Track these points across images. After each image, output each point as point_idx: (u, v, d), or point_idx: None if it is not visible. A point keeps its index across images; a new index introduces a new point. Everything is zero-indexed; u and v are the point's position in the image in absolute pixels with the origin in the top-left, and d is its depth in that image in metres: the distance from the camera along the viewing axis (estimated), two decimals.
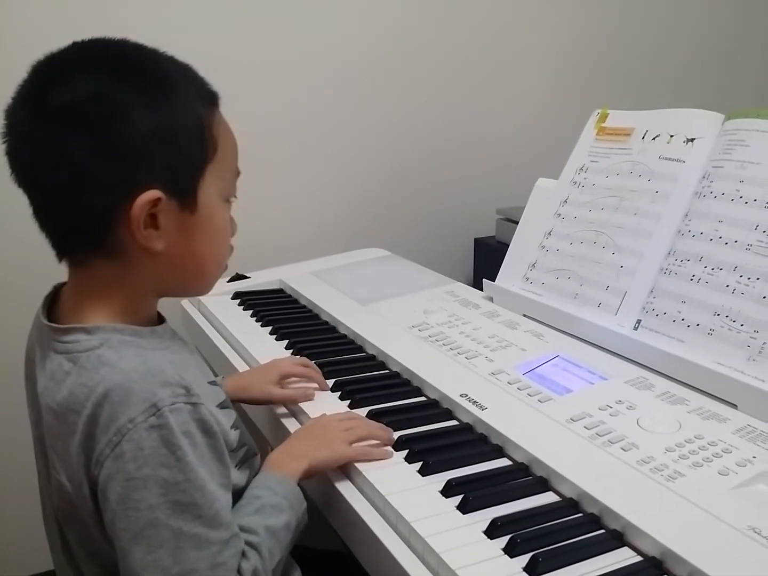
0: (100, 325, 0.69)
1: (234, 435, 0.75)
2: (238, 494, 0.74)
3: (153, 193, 0.66)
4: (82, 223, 0.68)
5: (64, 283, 0.76)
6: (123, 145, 0.65)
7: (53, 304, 0.75)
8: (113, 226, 0.67)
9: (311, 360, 1.08)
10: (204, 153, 0.70)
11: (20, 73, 0.68)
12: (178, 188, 0.69)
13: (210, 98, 0.73)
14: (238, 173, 0.77)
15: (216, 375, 1.19)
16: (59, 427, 0.67)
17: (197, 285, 0.78)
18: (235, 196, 0.77)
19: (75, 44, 0.69)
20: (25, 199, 0.69)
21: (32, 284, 1.45)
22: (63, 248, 0.71)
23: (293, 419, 0.97)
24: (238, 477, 0.75)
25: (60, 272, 0.74)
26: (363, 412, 0.94)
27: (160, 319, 0.77)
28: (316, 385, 1.02)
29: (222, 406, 0.74)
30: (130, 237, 0.68)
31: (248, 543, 0.69)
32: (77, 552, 0.73)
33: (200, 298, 1.39)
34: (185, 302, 1.44)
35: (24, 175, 0.68)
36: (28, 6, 1.40)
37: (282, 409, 0.99)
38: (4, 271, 1.49)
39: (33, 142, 0.66)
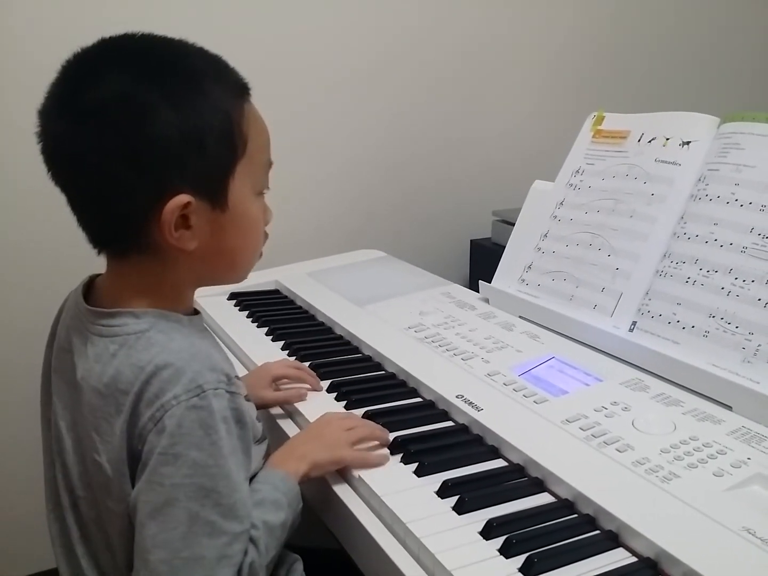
0: (148, 309, 0.70)
1: (259, 427, 0.77)
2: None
3: (182, 198, 0.67)
4: (117, 225, 0.69)
5: (99, 274, 0.77)
6: (151, 150, 0.65)
7: (88, 293, 0.76)
8: (146, 228, 0.68)
9: (307, 361, 1.09)
10: (233, 152, 0.70)
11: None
12: (207, 190, 0.69)
13: (240, 91, 0.73)
14: (270, 165, 0.77)
15: None
16: (105, 408, 0.67)
17: (232, 275, 0.78)
18: (267, 188, 0.77)
19: (103, 41, 0.69)
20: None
21: (33, 284, 1.46)
22: (100, 243, 0.72)
23: (289, 420, 0.97)
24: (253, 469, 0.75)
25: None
26: (359, 413, 0.94)
27: (195, 312, 0.78)
28: (308, 386, 1.02)
29: (247, 399, 0.75)
30: (162, 238, 0.68)
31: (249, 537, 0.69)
32: (95, 543, 0.73)
33: (196, 298, 1.38)
34: None
35: (60, 175, 0.69)
36: (27, 5, 1.40)
37: (278, 410, 0.99)
38: (4, 271, 1.48)
39: (66, 144, 0.66)
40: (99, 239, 0.72)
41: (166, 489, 0.63)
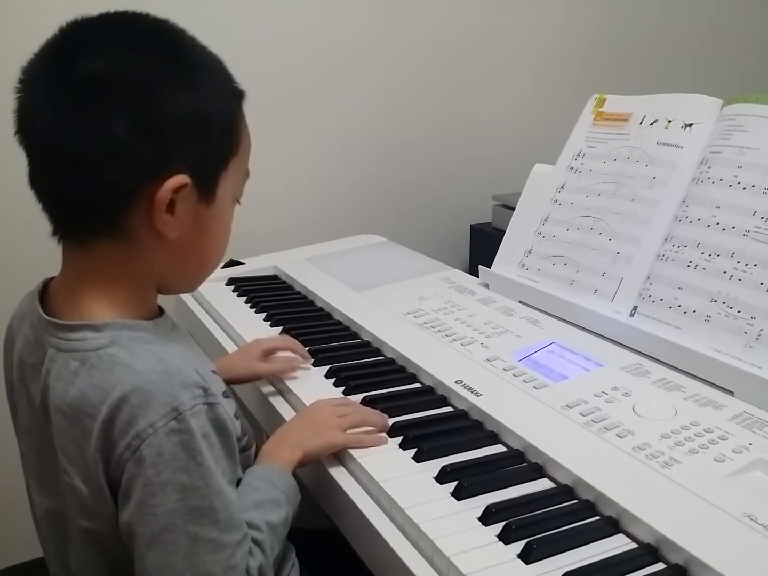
0: (108, 321, 0.66)
1: (237, 425, 0.74)
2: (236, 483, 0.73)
3: (182, 178, 0.65)
4: (98, 198, 0.64)
5: (53, 278, 0.73)
6: (161, 124, 0.64)
7: (43, 299, 0.72)
8: (130, 205, 0.65)
9: (306, 347, 1.08)
10: (231, 145, 0.70)
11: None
12: (203, 176, 0.68)
13: (237, 95, 0.73)
14: (248, 175, 0.76)
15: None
16: (71, 430, 0.65)
17: (192, 280, 0.76)
18: (240, 197, 0.76)
19: (108, 14, 0.67)
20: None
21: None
22: (65, 224, 0.67)
23: (282, 400, 0.97)
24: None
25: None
26: (357, 398, 0.94)
27: (160, 311, 0.75)
28: (299, 358, 1.02)
29: (225, 395, 0.73)
30: (144, 220, 0.65)
31: (253, 539, 0.68)
32: (80, 553, 0.71)
33: None
34: None
35: (37, 137, 0.64)
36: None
37: (270, 388, 0.99)
38: None
39: (59, 106, 0.62)
40: (67, 217, 0.66)
41: (160, 518, 0.61)
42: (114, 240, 0.66)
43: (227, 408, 0.70)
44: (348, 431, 0.83)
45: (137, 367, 0.64)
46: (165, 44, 0.67)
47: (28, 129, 0.65)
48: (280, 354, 1.03)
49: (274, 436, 0.83)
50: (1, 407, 0.79)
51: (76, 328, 0.66)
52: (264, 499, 0.72)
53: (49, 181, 0.66)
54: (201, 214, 0.69)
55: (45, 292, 0.73)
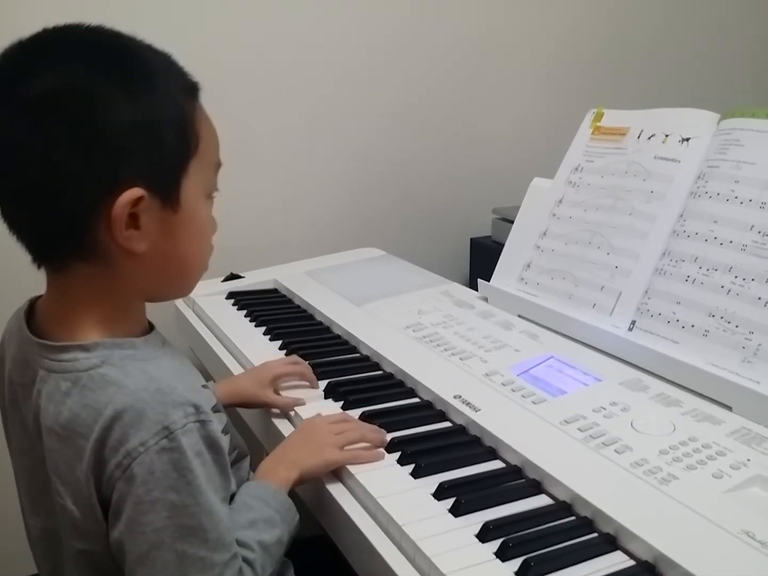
0: (98, 341, 0.66)
1: (225, 440, 0.73)
2: (230, 498, 0.73)
3: (135, 192, 0.63)
4: (59, 225, 0.64)
5: (39, 296, 0.72)
6: (103, 140, 0.61)
7: (29, 319, 0.71)
8: (92, 227, 0.63)
9: (305, 360, 1.08)
10: (187, 147, 0.67)
11: None
12: (160, 185, 0.65)
13: (191, 89, 0.69)
14: (219, 166, 0.73)
15: (210, 376, 1.19)
16: (63, 450, 0.64)
17: (180, 286, 0.74)
18: (217, 190, 0.73)
19: (46, 31, 0.64)
20: None
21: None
22: (40, 253, 0.67)
23: (285, 420, 0.97)
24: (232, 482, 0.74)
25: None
26: (356, 413, 0.94)
27: (150, 327, 0.75)
28: (307, 383, 1.01)
29: (214, 410, 0.72)
30: (110, 238, 0.64)
31: (244, 558, 0.68)
32: (74, 573, 0.70)
33: (194, 298, 1.38)
34: (179, 302, 1.43)
35: None
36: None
37: (274, 410, 0.99)
38: None
39: (7, 135, 0.61)
40: (39, 246, 0.66)
41: (149, 536, 0.61)
42: (89, 262, 0.66)
43: (217, 424, 0.69)
44: (345, 448, 0.83)
45: (129, 386, 0.63)
46: (101, 57, 0.64)
47: None
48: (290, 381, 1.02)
49: (272, 454, 0.83)
50: None
51: (65, 348, 0.66)
52: (258, 518, 0.72)
53: (9, 212, 0.65)
54: (169, 221, 0.67)
55: (32, 311, 0.72)
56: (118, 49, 0.65)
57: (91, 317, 0.68)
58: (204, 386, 0.75)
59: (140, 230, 0.65)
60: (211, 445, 0.65)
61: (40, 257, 0.67)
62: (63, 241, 0.65)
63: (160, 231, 0.67)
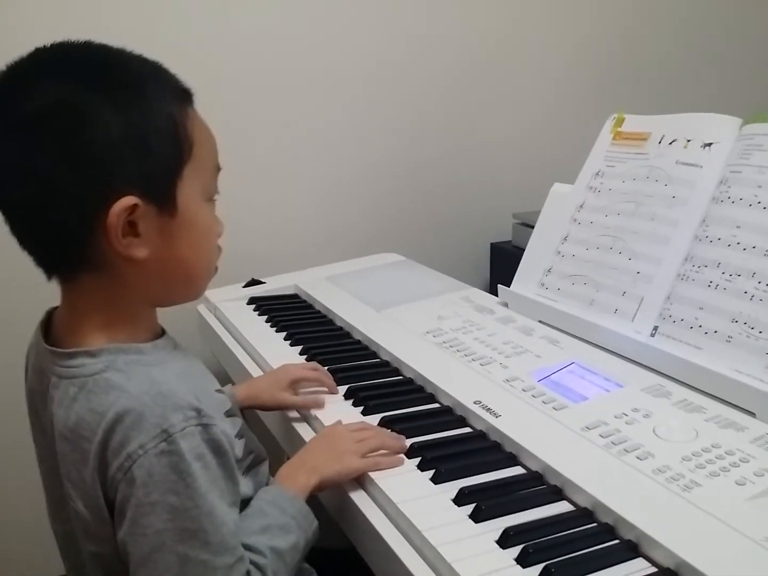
0: (104, 347, 0.68)
1: (239, 444, 0.74)
2: (245, 502, 0.74)
3: (128, 200, 0.64)
4: (60, 238, 0.66)
5: (56, 307, 0.74)
6: (91, 153, 0.63)
7: (48, 328, 0.73)
8: (92, 237, 0.65)
9: (325, 366, 1.09)
10: (179, 153, 0.68)
11: None
12: (155, 193, 0.66)
13: (182, 96, 0.70)
14: (218, 169, 0.74)
15: (231, 380, 1.20)
16: (72, 455, 0.66)
17: (187, 291, 0.75)
18: (218, 193, 0.74)
19: (37, 50, 0.66)
20: None
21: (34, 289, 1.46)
22: (46, 265, 0.69)
23: (305, 424, 0.97)
24: (245, 485, 0.74)
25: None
26: (376, 418, 0.94)
27: (162, 332, 0.76)
28: (326, 390, 1.02)
29: (228, 414, 0.73)
30: (110, 247, 0.65)
31: (254, 563, 0.68)
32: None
33: (216, 303, 1.40)
34: (201, 307, 1.44)
35: None
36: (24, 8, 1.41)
37: (294, 414, 0.99)
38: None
39: (1, 156, 0.63)
40: (46, 260, 0.68)
41: (150, 538, 0.62)
42: (94, 272, 0.67)
43: (227, 427, 0.70)
44: (365, 456, 0.83)
45: (131, 390, 0.64)
46: (89, 72, 0.65)
47: None
48: (309, 387, 1.03)
49: (292, 459, 0.83)
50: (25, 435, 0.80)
51: (73, 355, 0.68)
52: (271, 524, 0.72)
53: (16, 230, 0.67)
54: (168, 226, 0.68)
55: (50, 322, 0.74)
56: (105, 62, 0.66)
57: (98, 324, 0.69)
58: (218, 391, 0.76)
59: (140, 237, 0.66)
60: (216, 448, 0.66)
61: (47, 269, 0.69)
62: (65, 252, 0.67)
63: (160, 237, 0.67)
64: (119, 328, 0.70)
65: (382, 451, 0.85)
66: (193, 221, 0.70)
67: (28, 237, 0.67)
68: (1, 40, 1.37)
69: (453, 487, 0.78)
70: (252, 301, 1.43)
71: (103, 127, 0.63)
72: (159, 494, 0.62)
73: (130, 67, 0.67)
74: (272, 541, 0.71)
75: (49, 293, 0.73)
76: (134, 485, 0.62)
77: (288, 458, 0.86)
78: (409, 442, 0.87)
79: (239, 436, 0.75)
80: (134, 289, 0.69)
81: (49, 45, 0.67)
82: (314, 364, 1.08)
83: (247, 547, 0.68)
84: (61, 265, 0.69)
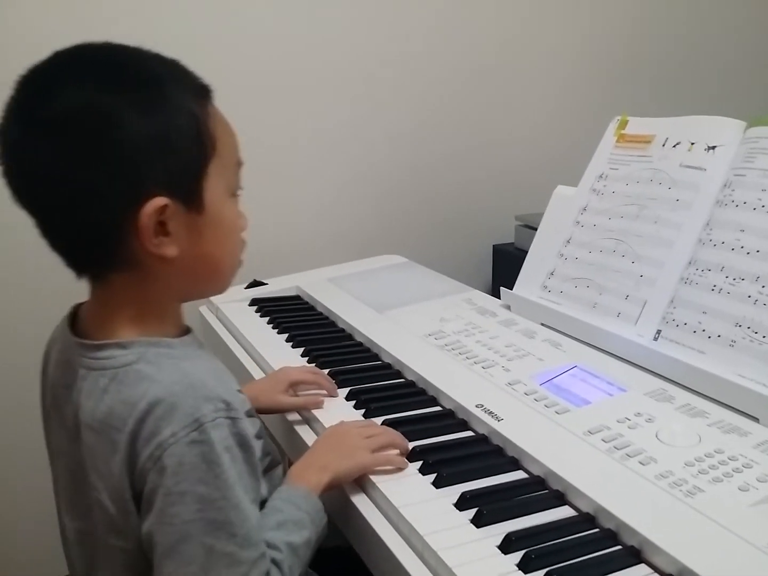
0: (135, 339, 0.69)
1: (258, 445, 0.74)
2: (261, 504, 0.73)
3: (159, 201, 0.65)
4: (92, 240, 0.67)
5: (81, 303, 0.75)
6: (121, 156, 0.63)
7: (74, 323, 0.74)
8: (123, 238, 0.66)
9: (327, 368, 1.08)
10: (204, 151, 0.68)
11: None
12: (182, 191, 0.67)
13: (202, 92, 0.71)
14: (240, 164, 0.75)
15: None
16: (100, 446, 0.66)
17: (215, 285, 0.76)
18: (241, 188, 0.75)
19: (57, 54, 0.67)
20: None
21: (37, 286, 1.46)
22: (77, 265, 0.70)
23: (307, 426, 0.97)
24: (262, 487, 0.74)
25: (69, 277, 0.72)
26: (378, 421, 0.93)
27: (187, 330, 0.77)
28: (325, 392, 1.01)
29: (248, 414, 0.73)
30: (141, 247, 0.66)
31: (271, 559, 0.68)
32: (108, 574, 0.71)
33: (218, 304, 1.40)
34: (203, 308, 1.44)
35: (24, 195, 0.66)
36: (27, 8, 1.41)
37: (295, 416, 0.99)
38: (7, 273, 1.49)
39: (27, 161, 0.64)
40: (77, 261, 0.69)
41: (177, 528, 0.62)
42: (124, 271, 0.68)
43: (249, 426, 0.70)
44: (376, 453, 0.83)
45: (163, 381, 0.65)
46: (112, 74, 0.65)
47: (16, 190, 0.66)
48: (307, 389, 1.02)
49: (301, 459, 0.83)
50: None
51: (104, 347, 0.68)
52: (286, 520, 0.72)
53: (48, 233, 0.68)
54: (196, 224, 0.69)
55: (75, 317, 0.75)
56: (127, 63, 0.67)
57: (128, 319, 0.70)
58: (239, 391, 0.76)
59: (170, 236, 0.67)
60: (242, 443, 0.67)
61: (78, 269, 0.70)
62: (97, 253, 0.68)
63: (189, 234, 0.68)
64: (149, 323, 0.71)
65: (393, 451, 0.85)
66: (219, 217, 0.71)
67: (60, 239, 0.68)
68: (1, 40, 1.38)
69: (455, 491, 0.78)
70: (254, 302, 1.42)
71: (130, 128, 0.63)
72: (188, 484, 0.62)
73: (150, 66, 0.68)
74: (288, 536, 0.71)
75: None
76: (164, 474, 0.62)
77: (291, 463, 0.86)
78: (410, 445, 0.87)
79: (258, 436, 0.76)
80: (164, 286, 0.70)
81: (69, 48, 0.67)
82: (313, 367, 1.08)
83: (265, 543, 0.69)
84: (92, 265, 0.70)
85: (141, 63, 0.68)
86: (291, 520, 0.73)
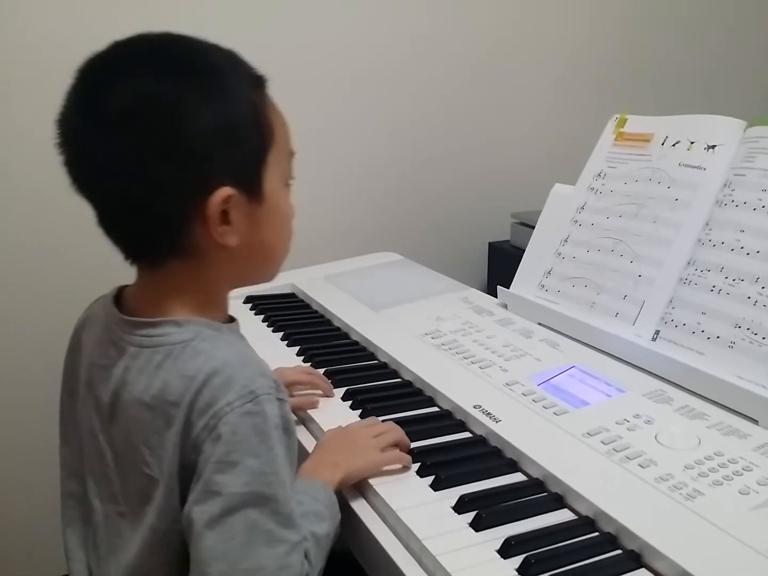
0: (190, 318, 0.69)
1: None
2: None
3: (226, 191, 0.65)
4: (157, 229, 0.67)
5: (126, 286, 0.75)
6: (189, 146, 0.64)
7: (117, 305, 0.74)
8: (188, 227, 0.66)
9: (323, 367, 1.07)
10: (263, 140, 0.69)
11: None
12: (245, 181, 0.68)
13: (258, 82, 0.71)
14: (293, 154, 0.75)
15: None
16: (154, 421, 0.66)
17: (266, 272, 0.77)
18: (293, 177, 0.76)
19: (117, 44, 0.67)
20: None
21: (48, 286, 1.45)
22: (136, 253, 0.70)
23: (303, 427, 0.96)
24: None
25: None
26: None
27: (231, 319, 0.77)
28: (320, 392, 1.01)
29: None
30: (205, 236, 0.67)
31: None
32: (138, 558, 0.69)
33: None
34: None
35: (87, 185, 0.66)
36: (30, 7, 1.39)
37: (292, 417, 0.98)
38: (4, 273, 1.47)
39: (93, 152, 0.64)
40: (136, 249, 0.69)
41: (223, 497, 0.61)
42: (182, 259, 0.68)
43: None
44: (384, 449, 0.83)
45: (219, 356, 0.66)
46: (175, 65, 0.66)
47: (78, 179, 0.66)
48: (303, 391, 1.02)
49: (311, 457, 0.83)
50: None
51: (158, 324, 0.68)
52: (308, 511, 0.71)
53: (108, 222, 0.68)
54: (255, 213, 0.69)
55: (119, 297, 0.75)
56: (189, 54, 0.67)
57: (181, 303, 0.70)
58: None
59: (231, 225, 0.67)
60: (286, 427, 0.67)
61: (135, 257, 0.70)
62: (158, 242, 0.68)
63: (249, 223, 0.69)
64: (203, 306, 0.71)
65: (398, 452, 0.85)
66: (276, 206, 0.72)
67: (121, 228, 0.68)
68: (1, 41, 1.36)
69: (453, 494, 0.77)
70: (248, 299, 1.41)
71: (195, 119, 0.64)
72: (240, 455, 0.62)
73: (210, 56, 0.68)
74: (311, 526, 0.70)
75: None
76: (218, 442, 0.62)
77: None
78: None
79: None
80: (219, 273, 0.71)
81: (128, 37, 0.67)
82: (309, 368, 1.07)
83: None
84: (151, 253, 0.69)
85: (202, 53, 0.68)
86: (312, 511, 0.72)
